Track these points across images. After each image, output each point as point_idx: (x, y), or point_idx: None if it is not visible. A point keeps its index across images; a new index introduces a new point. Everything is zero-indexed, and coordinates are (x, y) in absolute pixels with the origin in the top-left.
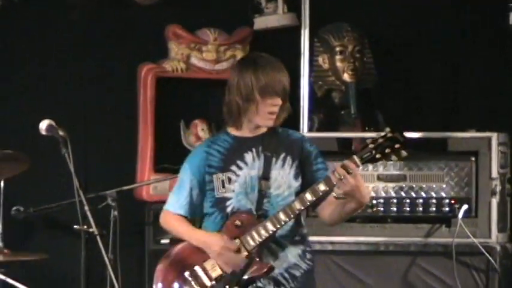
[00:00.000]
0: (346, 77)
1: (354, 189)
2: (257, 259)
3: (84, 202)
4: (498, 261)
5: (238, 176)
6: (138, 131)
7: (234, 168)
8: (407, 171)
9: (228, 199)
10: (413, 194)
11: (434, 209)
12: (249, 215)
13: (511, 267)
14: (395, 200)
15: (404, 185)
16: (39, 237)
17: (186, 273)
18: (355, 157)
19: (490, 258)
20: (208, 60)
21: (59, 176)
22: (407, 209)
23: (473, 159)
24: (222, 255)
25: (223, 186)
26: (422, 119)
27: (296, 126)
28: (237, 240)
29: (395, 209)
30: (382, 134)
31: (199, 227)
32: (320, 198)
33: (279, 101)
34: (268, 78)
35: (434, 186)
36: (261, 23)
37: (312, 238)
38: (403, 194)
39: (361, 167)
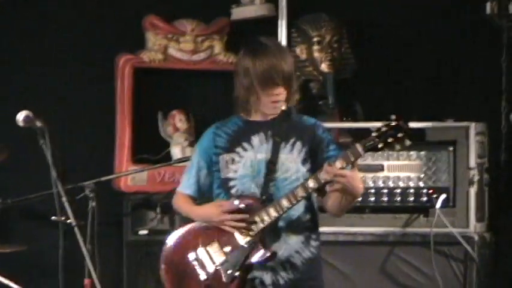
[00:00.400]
0: (323, 67)
1: (346, 184)
2: (260, 245)
3: (62, 193)
4: (476, 250)
5: (241, 157)
6: (116, 122)
7: (238, 149)
8: (385, 161)
9: (231, 179)
10: (391, 184)
11: (412, 198)
12: (253, 199)
13: (488, 257)
14: (373, 190)
15: (382, 175)
16: (17, 228)
17: (191, 256)
18: (357, 145)
19: (468, 248)
20: (185, 51)
21: (37, 167)
22: (385, 199)
23: (451, 149)
24: (223, 221)
25: (227, 167)
26: (400, 109)
27: None
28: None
29: (373, 199)
30: (386, 122)
31: None
32: (325, 187)
33: (280, 90)
34: (266, 68)
35: (412, 176)
36: (238, 13)
37: None
38: (380, 184)
39: (363, 155)
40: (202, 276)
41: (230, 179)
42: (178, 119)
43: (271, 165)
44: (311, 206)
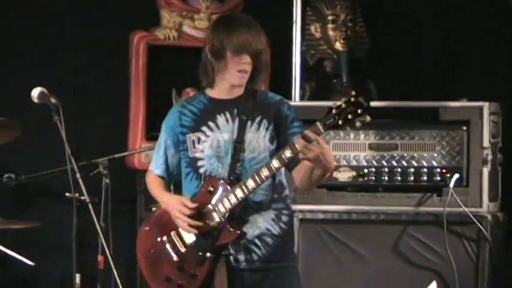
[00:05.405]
0: (338, 46)
1: (319, 155)
2: (228, 225)
3: (76, 170)
4: (489, 230)
5: (207, 136)
6: (130, 99)
7: (204, 128)
8: (399, 140)
9: (199, 159)
10: (404, 163)
11: (425, 178)
12: (221, 180)
13: (501, 237)
14: (386, 169)
15: (395, 154)
16: (31, 205)
17: (164, 238)
18: (318, 124)
19: (481, 227)
20: (200, 29)
21: (50, 144)
22: (399, 178)
23: (464, 128)
24: (177, 218)
25: (194, 147)
26: (414, 88)
27: (288, 94)
28: (210, 206)
29: (386, 178)
30: (345, 99)
31: (179, 187)
32: (292, 163)
33: (247, 59)
34: (238, 37)
35: (425, 155)
36: None
37: (303, 207)
38: (394, 163)
39: (323, 133)
40: (175, 257)
41: (198, 159)
42: None
43: (238, 145)
44: (279, 183)
